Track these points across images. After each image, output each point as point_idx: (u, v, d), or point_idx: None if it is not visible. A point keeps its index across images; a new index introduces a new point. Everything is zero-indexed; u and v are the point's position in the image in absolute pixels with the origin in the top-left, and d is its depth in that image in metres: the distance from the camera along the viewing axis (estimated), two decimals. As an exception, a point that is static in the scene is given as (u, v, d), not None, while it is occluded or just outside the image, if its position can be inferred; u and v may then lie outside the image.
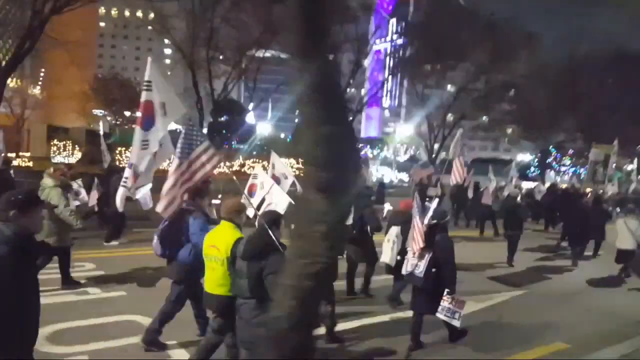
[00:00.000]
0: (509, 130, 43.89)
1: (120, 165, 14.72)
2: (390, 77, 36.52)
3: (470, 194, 15.86)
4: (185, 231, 4.86)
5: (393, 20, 32.78)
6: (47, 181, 6.62)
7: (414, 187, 15.89)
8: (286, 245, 3.68)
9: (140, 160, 5.18)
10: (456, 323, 4.92)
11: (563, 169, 52.44)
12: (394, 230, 6.67)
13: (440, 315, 4.96)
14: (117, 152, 20.65)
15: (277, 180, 9.25)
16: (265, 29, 21.60)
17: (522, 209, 11.60)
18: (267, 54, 25.52)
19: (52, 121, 50.35)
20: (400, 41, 33.02)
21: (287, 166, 9.54)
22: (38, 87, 52.79)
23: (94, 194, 9.22)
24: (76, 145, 22.52)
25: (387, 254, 6.67)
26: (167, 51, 64.96)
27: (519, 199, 12.72)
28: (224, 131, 33.35)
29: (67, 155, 22.02)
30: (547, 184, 21.96)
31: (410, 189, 29.11)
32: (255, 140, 33.97)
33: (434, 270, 4.97)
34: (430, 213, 5.33)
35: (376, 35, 31.88)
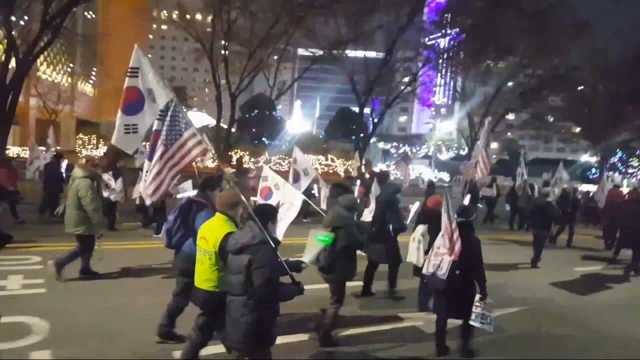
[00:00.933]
0: (571, 129, 40.14)
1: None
2: (439, 72, 34.44)
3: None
4: (191, 222, 4.76)
5: (445, 15, 31.01)
6: (77, 172, 6.82)
7: (464, 187, 14.97)
8: (279, 240, 3.71)
9: (127, 144, 5.29)
10: (488, 328, 4.62)
11: (631, 171, 47.81)
12: (420, 228, 6.35)
13: (474, 323, 4.66)
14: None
15: (296, 175, 8.66)
16: (281, 20, 20.50)
17: (552, 208, 10.45)
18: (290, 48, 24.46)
19: (99, 117, 52.57)
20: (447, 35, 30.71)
21: (309, 162, 9.18)
22: (89, 84, 55.18)
23: (138, 187, 9.49)
24: (101, 139, 22.70)
25: (413, 254, 6.35)
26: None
27: (550, 197, 11.44)
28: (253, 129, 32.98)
29: (92, 148, 22.25)
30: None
31: (451, 189, 27.39)
32: (285, 136, 33.29)
33: (457, 272, 4.53)
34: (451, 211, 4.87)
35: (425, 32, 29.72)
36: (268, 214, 3.69)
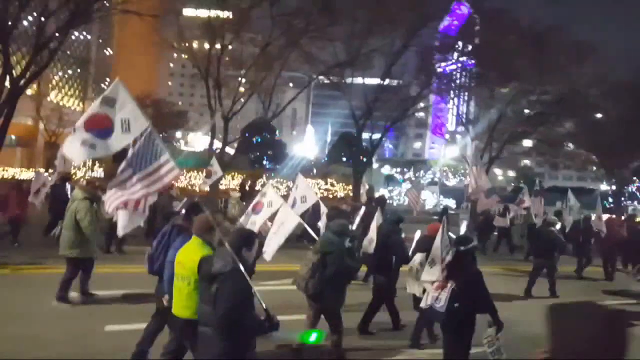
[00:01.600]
0: (588, 156, 39.17)
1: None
2: (449, 98, 34.26)
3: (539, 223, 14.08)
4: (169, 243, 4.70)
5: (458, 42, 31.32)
6: (77, 193, 6.88)
7: (479, 217, 14.70)
8: (253, 270, 3.75)
9: (75, 153, 5.34)
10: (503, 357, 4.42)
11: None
12: (418, 257, 6.17)
13: (488, 350, 4.41)
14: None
15: (294, 202, 8.59)
16: (274, 43, 20.61)
17: (557, 238, 10.18)
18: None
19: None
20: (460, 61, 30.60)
21: (310, 188, 9.18)
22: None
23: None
24: (96, 162, 22.95)
25: (412, 285, 6.10)
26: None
27: (558, 226, 10.97)
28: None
29: (87, 171, 22.51)
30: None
31: (458, 216, 26.59)
32: (287, 160, 33.37)
33: (456, 305, 4.34)
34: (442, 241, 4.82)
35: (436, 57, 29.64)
36: (244, 239, 3.55)
